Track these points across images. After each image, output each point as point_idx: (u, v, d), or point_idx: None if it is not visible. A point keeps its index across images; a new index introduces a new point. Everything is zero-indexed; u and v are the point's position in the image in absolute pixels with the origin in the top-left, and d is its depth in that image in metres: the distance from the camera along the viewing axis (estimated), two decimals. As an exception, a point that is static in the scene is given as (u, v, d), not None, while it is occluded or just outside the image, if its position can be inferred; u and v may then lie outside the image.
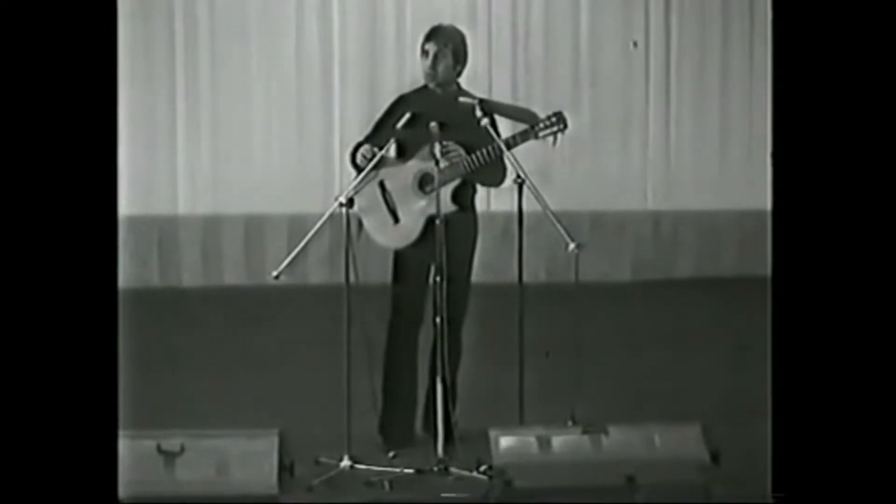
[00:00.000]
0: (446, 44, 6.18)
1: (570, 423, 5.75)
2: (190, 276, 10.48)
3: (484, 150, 6.05)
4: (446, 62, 6.18)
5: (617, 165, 10.75)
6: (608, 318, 8.77)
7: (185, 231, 10.50)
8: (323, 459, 5.85)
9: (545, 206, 5.73)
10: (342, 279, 5.87)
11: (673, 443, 5.48)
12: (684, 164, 10.80)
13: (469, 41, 6.27)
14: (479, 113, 5.98)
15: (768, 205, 4.62)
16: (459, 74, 6.24)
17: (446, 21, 6.43)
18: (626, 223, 10.72)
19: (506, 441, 5.46)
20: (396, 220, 6.17)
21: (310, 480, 5.67)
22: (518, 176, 5.94)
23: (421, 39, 6.24)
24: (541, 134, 6.07)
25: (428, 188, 6.11)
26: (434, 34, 6.21)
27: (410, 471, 5.77)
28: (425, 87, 6.26)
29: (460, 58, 6.21)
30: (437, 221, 5.84)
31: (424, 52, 6.21)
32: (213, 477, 5.29)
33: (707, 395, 6.98)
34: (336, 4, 10.47)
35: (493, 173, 6.17)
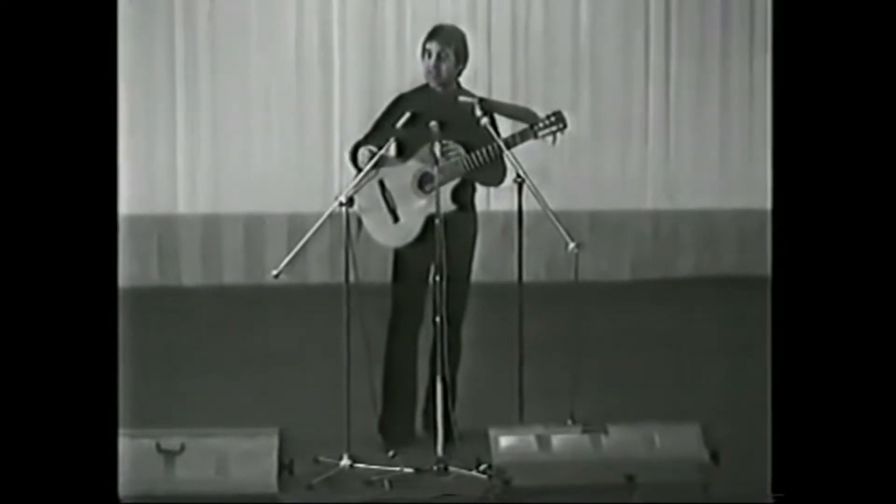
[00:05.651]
0: (448, 44, 6.17)
1: (569, 422, 5.75)
2: (189, 276, 10.48)
3: (484, 150, 6.05)
4: (448, 62, 6.18)
5: (617, 165, 10.74)
6: (608, 318, 8.77)
7: (185, 230, 10.49)
8: (322, 458, 5.85)
9: (545, 206, 5.73)
10: (342, 278, 5.88)
11: (672, 442, 5.48)
12: (684, 164, 10.80)
13: (469, 41, 6.27)
14: (478, 112, 5.98)
15: (768, 204, 4.63)
16: (460, 74, 6.24)
17: (446, 21, 6.43)
18: (626, 223, 10.72)
19: (505, 440, 5.47)
20: (396, 219, 6.17)
21: (309, 479, 5.67)
22: (518, 175, 5.94)
23: (422, 39, 6.23)
24: (540, 133, 6.07)
25: (427, 187, 6.11)
26: (436, 34, 6.20)
27: (410, 470, 5.78)
28: (425, 86, 6.26)
29: (461, 58, 6.21)
30: (437, 221, 5.84)
31: (426, 52, 6.20)
32: (212, 476, 5.30)
33: (707, 394, 6.98)
34: (336, 4, 10.47)
35: (493, 173, 6.17)
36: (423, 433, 6.25)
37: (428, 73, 6.21)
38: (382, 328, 6.26)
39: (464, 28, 6.32)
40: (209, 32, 10.41)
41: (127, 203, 9.49)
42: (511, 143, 6.02)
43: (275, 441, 5.37)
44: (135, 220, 10.04)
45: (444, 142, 5.99)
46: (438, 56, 6.17)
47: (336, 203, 5.89)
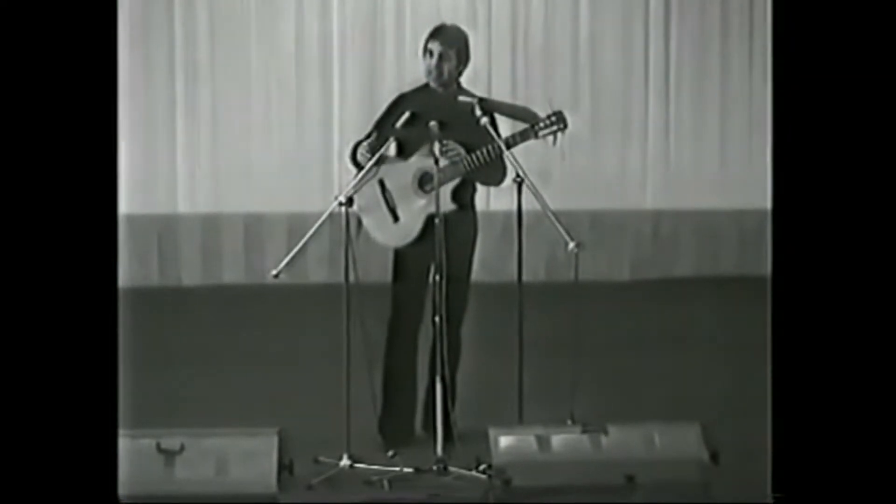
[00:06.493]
0: (450, 44, 6.17)
1: (569, 422, 5.75)
2: (189, 275, 10.48)
3: (484, 150, 6.05)
4: (450, 63, 6.17)
5: (617, 165, 10.74)
6: (607, 318, 8.77)
7: (185, 230, 10.49)
8: (322, 458, 5.85)
9: (545, 206, 5.73)
10: (342, 278, 5.88)
11: (672, 442, 5.48)
12: (684, 163, 10.80)
13: (470, 41, 6.26)
14: (478, 112, 5.98)
15: (768, 204, 4.63)
16: (461, 74, 6.24)
17: (446, 20, 6.42)
18: (626, 222, 10.72)
19: (505, 440, 5.46)
20: (396, 218, 6.17)
21: (309, 479, 5.67)
22: (518, 175, 5.94)
23: (424, 38, 6.22)
24: (540, 133, 6.07)
25: (428, 187, 6.10)
26: (438, 34, 6.20)
27: (410, 470, 5.78)
28: (425, 85, 6.26)
29: (463, 58, 6.21)
30: (437, 220, 5.84)
31: (428, 52, 6.19)
32: (212, 476, 5.30)
33: (707, 394, 6.98)
34: (336, 4, 10.47)
35: (493, 172, 6.17)
36: (423, 433, 6.25)
37: (429, 72, 6.21)
38: (382, 328, 6.26)
39: (463, 27, 6.32)
40: (209, 32, 10.41)
41: (127, 203, 9.49)
42: (511, 142, 6.02)
43: (275, 441, 5.37)
44: (135, 220, 10.05)
45: (444, 141, 5.99)
46: (440, 56, 6.16)
47: (336, 203, 5.88)
